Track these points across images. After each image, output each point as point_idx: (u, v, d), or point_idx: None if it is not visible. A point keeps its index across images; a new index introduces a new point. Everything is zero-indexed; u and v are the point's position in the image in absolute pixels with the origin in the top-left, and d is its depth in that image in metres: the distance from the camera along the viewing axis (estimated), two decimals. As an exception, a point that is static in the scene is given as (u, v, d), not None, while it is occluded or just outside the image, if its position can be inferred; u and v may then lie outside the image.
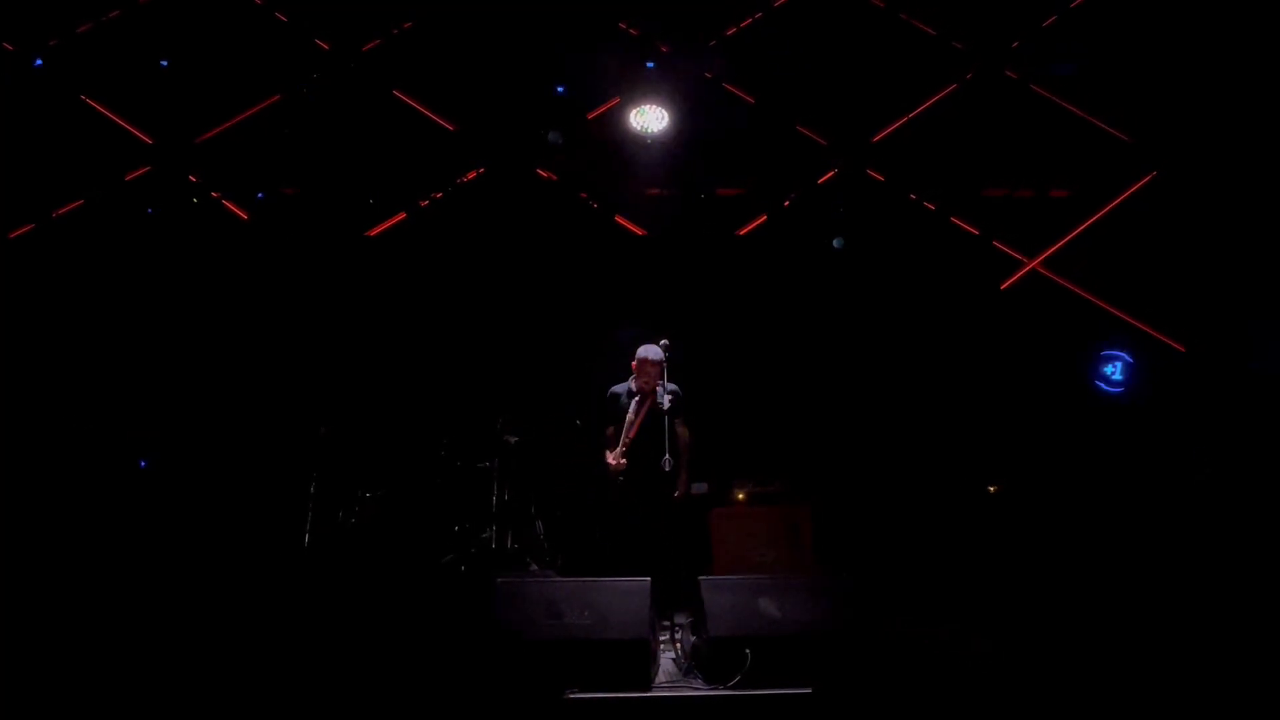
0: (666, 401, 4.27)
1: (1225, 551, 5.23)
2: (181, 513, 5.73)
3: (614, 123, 7.01)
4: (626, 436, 4.50)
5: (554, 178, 7.22)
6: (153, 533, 5.51)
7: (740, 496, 5.60)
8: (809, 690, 3.00)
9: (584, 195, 7.19)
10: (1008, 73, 7.73)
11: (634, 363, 4.55)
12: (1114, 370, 6.82)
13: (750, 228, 7.22)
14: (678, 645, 3.76)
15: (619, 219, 7.14)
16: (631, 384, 4.60)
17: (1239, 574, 4.86)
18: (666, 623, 3.94)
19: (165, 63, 6.73)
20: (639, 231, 7.12)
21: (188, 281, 6.52)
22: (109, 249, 6.58)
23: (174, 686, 3.31)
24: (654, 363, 4.45)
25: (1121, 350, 6.85)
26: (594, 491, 4.85)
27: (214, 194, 6.84)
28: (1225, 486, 5.84)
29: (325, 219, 6.89)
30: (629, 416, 4.51)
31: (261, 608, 4.44)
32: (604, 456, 4.61)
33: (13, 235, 6.58)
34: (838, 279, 6.94)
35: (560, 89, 7.01)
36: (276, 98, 7.22)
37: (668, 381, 4.38)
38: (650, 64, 6.91)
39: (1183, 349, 6.90)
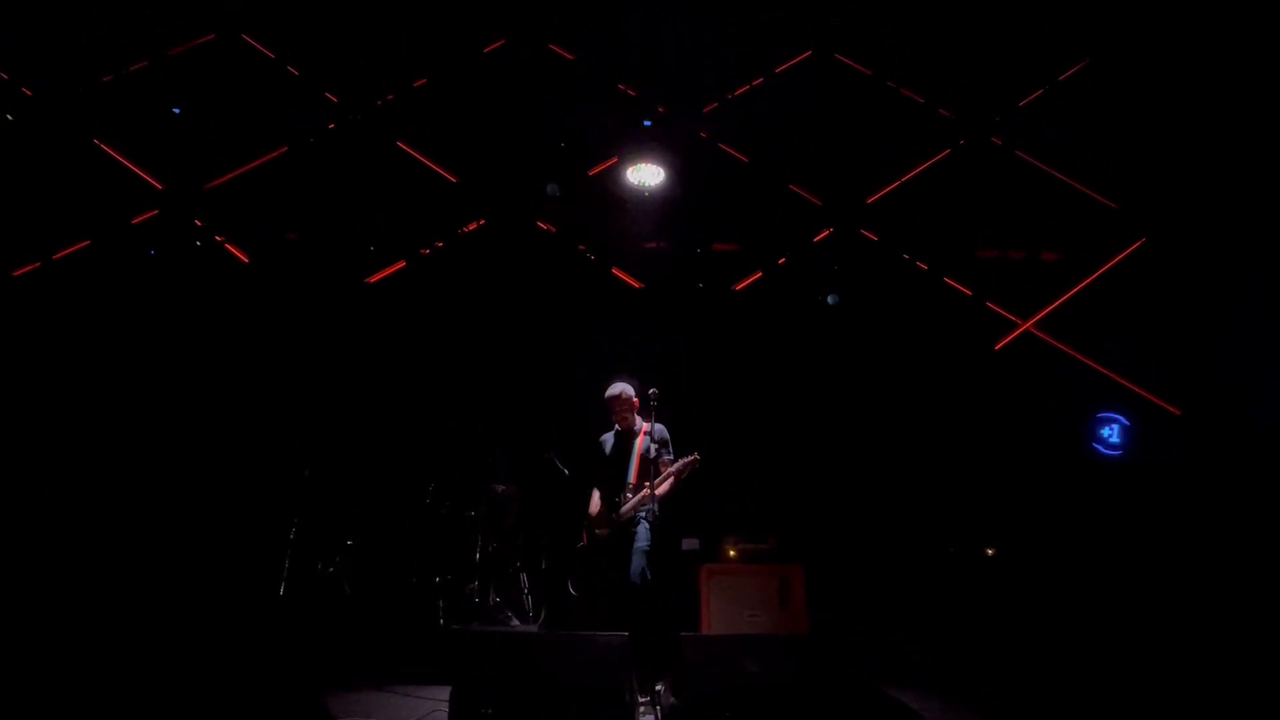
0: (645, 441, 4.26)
1: (1229, 608, 5.08)
2: (162, 554, 5.61)
3: (613, 179, 7.16)
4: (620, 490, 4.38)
5: (553, 229, 7.35)
6: (131, 573, 5.38)
7: (732, 554, 5.46)
8: None
9: (582, 247, 7.30)
10: (994, 140, 7.95)
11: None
12: (1111, 433, 6.78)
13: (746, 283, 7.30)
14: (657, 707, 3.61)
15: (616, 271, 7.23)
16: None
17: (1243, 632, 4.70)
18: (649, 683, 3.78)
19: (178, 110, 6.94)
20: (636, 284, 7.20)
21: (187, 322, 6.57)
22: (111, 289, 6.65)
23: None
24: (613, 398, 4.52)
25: (1118, 413, 6.82)
26: (579, 544, 4.73)
27: (217, 238, 6.95)
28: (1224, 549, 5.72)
29: (326, 264, 6.98)
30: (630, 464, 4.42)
31: (235, 652, 4.31)
32: (589, 510, 4.54)
33: (17, 274, 6.67)
34: (833, 337, 6.97)
35: (561, 145, 7.21)
36: (284, 149, 7.42)
37: (655, 423, 4.36)
38: (647, 123, 7.12)
39: (1178, 412, 6.87)
